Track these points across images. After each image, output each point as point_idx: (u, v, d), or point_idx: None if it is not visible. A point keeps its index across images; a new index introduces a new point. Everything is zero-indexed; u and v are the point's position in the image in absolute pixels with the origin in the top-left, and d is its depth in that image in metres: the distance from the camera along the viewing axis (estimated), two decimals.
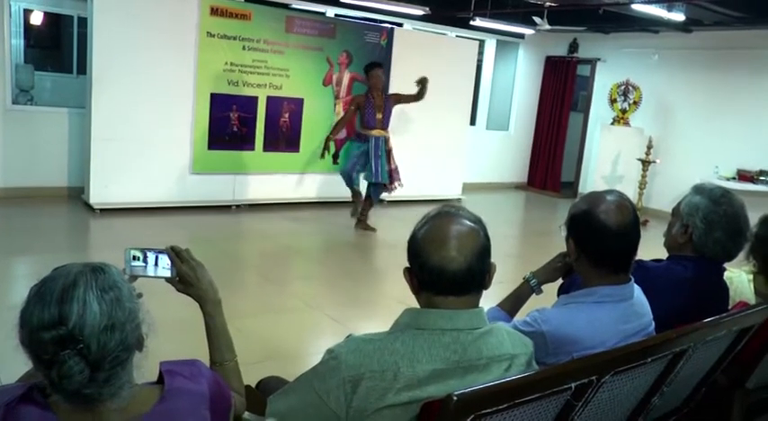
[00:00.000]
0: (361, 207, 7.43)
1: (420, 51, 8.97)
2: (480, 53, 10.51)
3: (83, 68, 10.71)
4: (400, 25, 9.39)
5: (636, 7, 7.60)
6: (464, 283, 1.50)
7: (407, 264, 1.58)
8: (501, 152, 11.45)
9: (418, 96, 7.28)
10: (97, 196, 7.03)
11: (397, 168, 7.32)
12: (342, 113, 8.32)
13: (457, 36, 10.03)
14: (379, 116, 7.08)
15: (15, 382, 1.54)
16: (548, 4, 8.01)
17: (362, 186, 7.46)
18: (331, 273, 5.99)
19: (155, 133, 7.24)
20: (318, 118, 8.30)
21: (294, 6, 8.53)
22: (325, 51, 8.19)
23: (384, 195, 7.68)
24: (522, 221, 9.85)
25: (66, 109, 7.62)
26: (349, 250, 6.97)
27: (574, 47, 11.23)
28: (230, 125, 7.67)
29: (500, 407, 1.43)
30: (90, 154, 7.00)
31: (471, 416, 1.38)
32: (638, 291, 1.97)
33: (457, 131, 9.75)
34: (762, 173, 8.72)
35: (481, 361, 1.50)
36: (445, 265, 1.47)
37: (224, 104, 7.57)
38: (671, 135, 9.86)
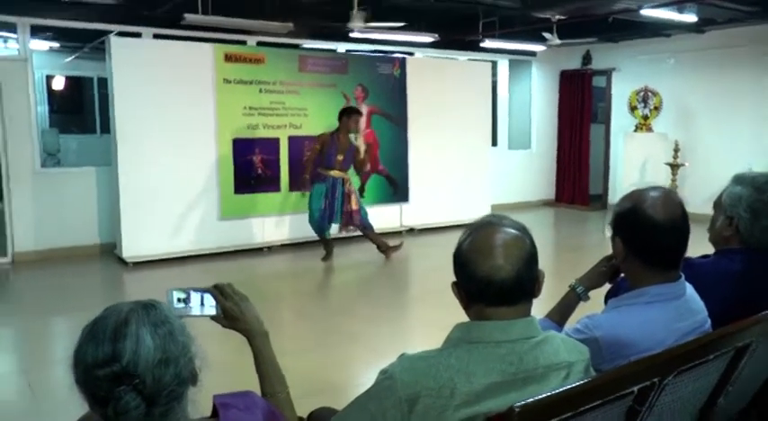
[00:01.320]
0: (372, 240, 7.46)
1: (433, 77, 9.03)
2: (494, 74, 10.54)
3: (105, 127, 10.95)
4: (411, 54, 9.46)
5: (645, 12, 7.57)
6: (514, 292, 1.46)
7: (454, 279, 1.54)
8: (526, 170, 11.40)
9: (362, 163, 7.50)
10: (129, 250, 7.10)
11: (358, 210, 7.29)
12: (362, 146, 8.37)
13: (469, 59, 10.08)
14: (340, 157, 7.10)
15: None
16: (556, 17, 8.02)
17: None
18: (368, 305, 5.95)
19: (181, 183, 7.33)
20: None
21: (305, 46, 8.65)
22: (339, 87, 8.26)
23: (409, 223, 7.64)
24: (553, 238, 9.74)
25: (94, 167, 7.75)
26: (383, 281, 6.93)
27: (587, 59, 11.21)
28: (254, 168, 7.73)
29: (563, 416, 1.38)
30: (119, 209, 7.09)
31: None
32: (690, 288, 1.90)
33: (479, 153, 9.74)
34: None
35: (538, 370, 1.45)
36: (494, 275, 1.44)
37: (246, 148, 7.65)
38: (696, 137, 9.75)
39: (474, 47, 9.64)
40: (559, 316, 2.10)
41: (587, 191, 11.42)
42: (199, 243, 7.48)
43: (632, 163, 9.96)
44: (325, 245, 7.40)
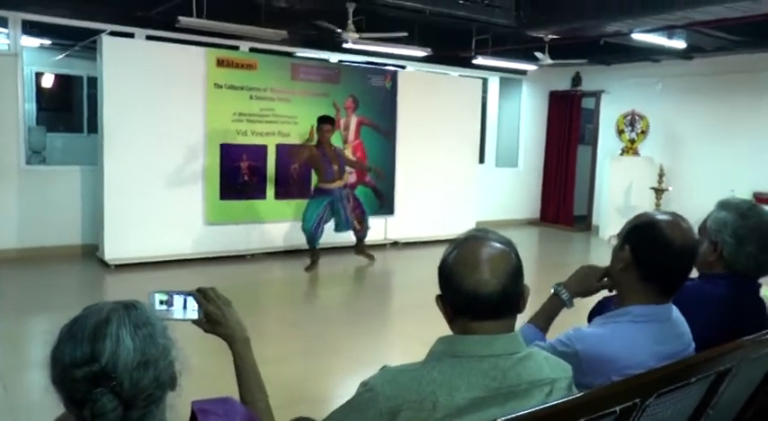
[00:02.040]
0: (356, 244, 7.73)
1: (425, 92, 9.06)
2: (484, 91, 10.60)
3: (93, 127, 10.85)
4: (403, 67, 9.50)
5: (636, 36, 7.66)
6: (500, 306, 1.45)
7: (439, 292, 1.54)
8: (512, 188, 11.45)
9: (361, 165, 7.98)
10: (112, 252, 7.03)
11: (360, 207, 7.59)
12: (352, 157, 8.37)
13: (460, 75, 10.13)
14: (336, 167, 7.21)
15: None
16: (549, 36, 8.09)
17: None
18: (351, 316, 5.93)
19: (167, 186, 7.28)
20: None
21: (299, 54, 8.65)
22: (331, 97, 8.27)
23: (394, 236, 8.11)
24: (537, 256, 9.76)
25: (79, 167, 7.69)
26: (367, 293, 6.92)
27: (577, 80, 11.31)
28: (241, 175, 7.71)
29: None
30: (103, 210, 7.03)
31: None
32: (676, 311, 1.91)
33: (466, 169, 9.77)
34: None
35: (521, 386, 1.45)
36: (480, 288, 1.43)
37: (234, 154, 7.62)
38: (681, 162, 9.84)
39: (466, 63, 9.69)
40: (544, 322, 2.09)
41: (572, 211, 11.47)
42: (182, 247, 7.42)
43: (618, 185, 10.04)
44: (313, 254, 7.37)
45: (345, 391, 4.02)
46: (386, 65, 9.32)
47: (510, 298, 1.46)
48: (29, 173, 7.38)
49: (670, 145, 10.00)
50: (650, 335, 1.82)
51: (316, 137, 7.31)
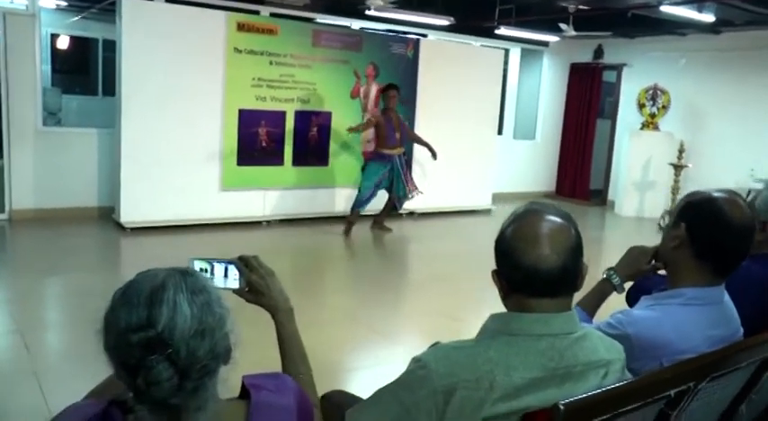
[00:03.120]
0: (383, 210, 7.82)
1: (446, 61, 8.93)
2: (505, 62, 10.44)
3: (108, 89, 10.81)
4: (425, 36, 9.35)
5: (665, 8, 7.48)
6: (559, 284, 1.40)
7: (494, 267, 1.48)
8: (528, 161, 11.35)
9: (425, 143, 7.82)
10: (128, 215, 7.02)
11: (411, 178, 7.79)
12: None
13: (482, 45, 9.97)
14: (398, 135, 7.40)
15: (84, 399, 1.46)
16: (574, 7, 7.92)
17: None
18: (368, 286, 5.90)
19: (184, 150, 7.23)
20: (346, 131, 8.23)
21: (320, 20, 8.52)
22: (351, 64, 8.15)
23: (410, 207, 8.16)
24: None
25: (96, 130, 7.63)
26: (384, 262, 6.89)
27: (599, 53, 11.11)
28: (259, 140, 7.64)
29: (603, 417, 1.33)
30: (120, 173, 7.00)
31: None
32: (726, 295, 1.86)
33: (485, 141, 9.66)
34: None
35: (577, 368, 1.40)
36: (540, 264, 1.38)
37: (252, 120, 7.55)
38: (701, 138, 9.70)
39: (488, 33, 9.52)
40: (592, 306, 2.04)
41: (588, 185, 11.38)
42: (198, 212, 7.40)
43: (636, 160, 9.93)
44: (352, 216, 7.56)
45: (365, 362, 4.04)
46: (408, 33, 9.17)
47: (569, 275, 1.41)
48: (45, 134, 7.34)
49: (691, 121, 9.85)
50: (703, 319, 1.77)
51: (381, 104, 7.57)
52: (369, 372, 3.89)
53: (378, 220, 7.88)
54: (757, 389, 1.96)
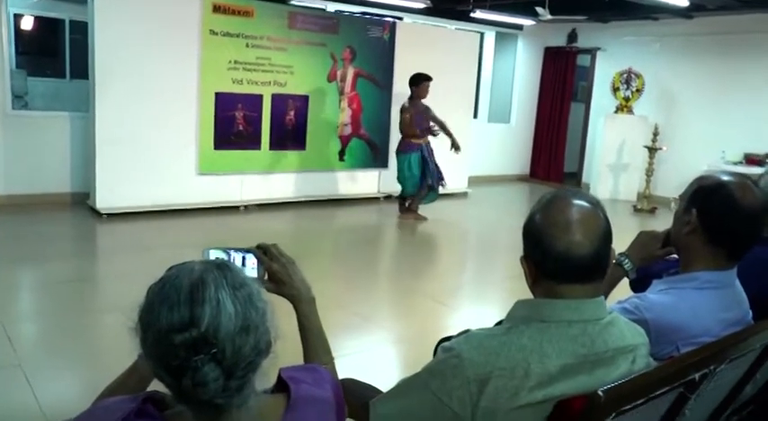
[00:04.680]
0: (414, 201, 7.70)
1: (422, 45, 8.88)
2: (480, 46, 10.43)
3: (76, 72, 10.55)
4: (401, 19, 9.29)
5: None
6: (590, 270, 1.40)
7: (523, 253, 1.47)
8: (503, 144, 11.39)
9: (447, 133, 7.54)
10: (103, 201, 6.89)
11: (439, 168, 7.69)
12: (346, 109, 8.32)
13: (457, 29, 9.94)
14: (425, 125, 7.39)
15: (101, 397, 1.42)
16: None
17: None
18: (352, 272, 5.88)
19: (160, 134, 7.10)
20: (324, 115, 8.20)
21: (295, 3, 8.41)
22: (328, 47, 8.08)
23: (387, 190, 7.95)
24: (526, 213, 9.78)
25: (68, 113, 7.46)
26: (365, 247, 6.86)
27: (573, 37, 11.17)
28: (236, 124, 7.54)
29: (637, 402, 1.34)
30: (95, 158, 6.86)
31: (613, 414, 1.28)
32: (737, 278, 1.87)
33: (461, 125, 9.59)
34: None
35: (608, 353, 1.40)
36: (572, 251, 1.37)
37: (229, 103, 7.44)
38: (675, 121, 9.83)
39: (463, 17, 9.49)
40: (604, 292, 2.05)
41: (562, 168, 11.48)
42: (175, 197, 7.29)
43: (610, 143, 10.03)
44: (414, 208, 7.65)
45: (355, 350, 4.01)
46: (383, 16, 9.10)
47: (601, 261, 1.40)
48: (15, 118, 7.15)
49: (664, 104, 9.97)
50: (717, 302, 1.78)
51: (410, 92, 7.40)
52: (358, 358, 3.88)
53: (411, 208, 7.74)
54: (763, 369, 2.00)
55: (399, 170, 7.54)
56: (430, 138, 7.51)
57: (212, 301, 1.06)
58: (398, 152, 7.54)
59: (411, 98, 7.33)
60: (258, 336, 1.09)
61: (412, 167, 7.41)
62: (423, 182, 7.51)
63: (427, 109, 7.46)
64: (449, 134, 7.48)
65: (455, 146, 7.51)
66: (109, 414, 1.12)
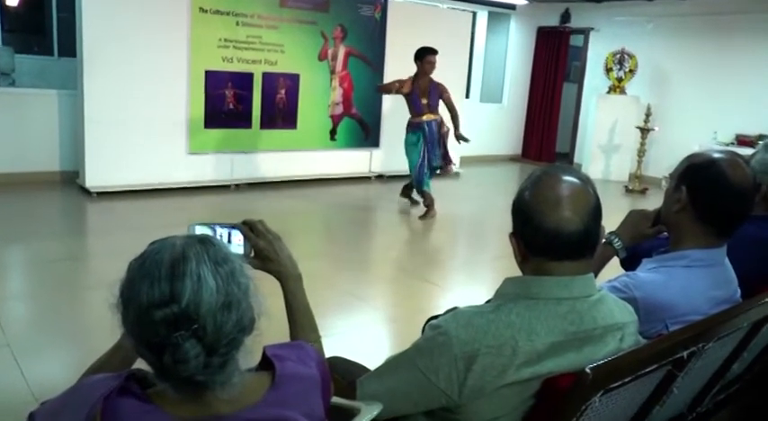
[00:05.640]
0: (425, 196, 7.00)
1: (414, 24, 8.80)
2: (473, 25, 10.36)
3: (64, 50, 10.42)
4: None
5: None
6: (580, 246, 1.38)
7: (512, 230, 1.45)
8: (495, 124, 11.36)
9: (454, 118, 7.02)
10: (93, 179, 6.84)
11: (448, 151, 7.10)
12: (337, 88, 8.24)
13: (449, 8, 9.86)
14: (424, 101, 6.81)
15: (86, 374, 1.41)
16: None
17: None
18: (344, 251, 5.87)
19: (150, 113, 7.04)
20: (315, 94, 8.14)
21: None
22: (319, 25, 8.00)
23: (378, 169, 7.67)
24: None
25: (56, 91, 7.37)
26: (355, 227, 6.85)
27: (566, 17, 11.11)
28: (226, 103, 7.48)
29: (625, 380, 1.34)
30: (84, 137, 6.79)
31: (601, 392, 1.27)
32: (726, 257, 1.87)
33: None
34: (761, 137, 8.68)
35: (596, 331, 1.40)
36: (562, 227, 1.35)
37: (219, 81, 7.37)
38: (667, 102, 9.82)
39: None
40: (594, 271, 2.04)
41: (554, 148, 11.48)
42: (166, 176, 7.24)
43: (603, 124, 10.03)
44: (424, 199, 6.96)
45: (346, 328, 4.01)
46: None
47: (591, 237, 1.39)
48: (2, 96, 7.11)
49: (657, 85, 9.95)
50: (707, 281, 1.78)
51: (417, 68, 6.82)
52: (349, 337, 3.88)
53: (425, 203, 7.03)
54: (750, 347, 2.00)
55: (406, 155, 7.05)
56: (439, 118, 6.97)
57: (193, 276, 1.04)
58: (407, 133, 7.03)
59: (416, 75, 6.80)
60: (241, 313, 1.08)
61: (409, 151, 6.94)
62: (423, 163, 6.89)
63: (438, 88, 6.87)
64: (456, 124, 7.02)
65: (459, 137, 7.00)
66: (92, 391, 1.10)
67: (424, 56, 6.74)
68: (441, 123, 6.94)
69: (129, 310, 1.06)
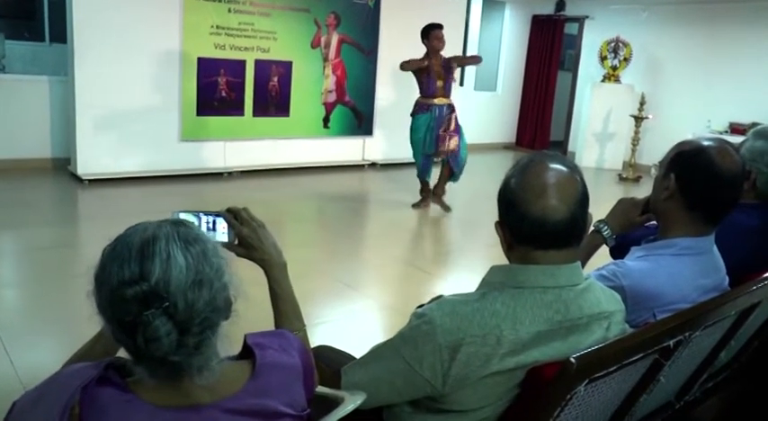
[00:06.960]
0: (439, 180, 6.69)
1: (408, 11, 8.74)
2: (467, 13, 10.31)
3: (56, 35, 10.33)
4: None
5: None
6: (567, 235, 1.37)
7: (498, 219, 1.44)
8: (489, 112, 11.33)
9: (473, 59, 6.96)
10: (85, 166, 6.80)
11: (458, 144, 6.62)
12: (331, 75, 8.20)
13: None
14: (440, 83, 6.47)
15: (72, 361, 1.39)
16: None
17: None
18: (336, 239, 5.86)
19: (142, 100, 6.99)
20: (308, 81, 8.10)
21: None
22: (312, 13, 7.95)
23: (372, 157, 7.50)
24: None
25: (47, 77, 7.31)
26: (348, 214, 6.83)
27: (561, 5, 11.06)
28: (218, 90, 7.44)
29: (610, 369, 1.33)
30: (75, 123, 6.75)
31: (585, 381, 1.27)
32: (715, 245, 1.86)
33: None
34: (754, 125, 8.64)
35: (582, 320, 1.39)
36: (548, 216, 1.34)
37: (211, 69, 7.32)
38: (661, 90, 9.81)
39: None
40: (582, 260, 2.03)
41: (548, 137, 11.46)
42: (158, 164, 7.20)
43: (597, 112, 10.01)
44: (423, 188, 6.73)
45: (336, 316, 4.01)
46: None
47: (577, 226, 1.38)
48: None
49: (652, 73, 9.93)
50: (695, 269, 1.78)
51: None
52: (340, 325, 3.88)
53: (436, 192, 6.73)
54: (738, 335, 2.00)
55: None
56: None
57: (162, 254, 1.04)
58: (412, 115, 6.66)
59: (427, 54, 6.47)
60: (214, 292, 1.07)
61: (418, 131, 6.53)
62: (430, 150, 6.52)
63: (451, 68, 6.56)
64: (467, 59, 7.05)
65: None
66: (70, 380, 1.10)
67: (430, 32, 6.43)
68: (452, 109, 6.61)
69: (102, 293, 1.06)
